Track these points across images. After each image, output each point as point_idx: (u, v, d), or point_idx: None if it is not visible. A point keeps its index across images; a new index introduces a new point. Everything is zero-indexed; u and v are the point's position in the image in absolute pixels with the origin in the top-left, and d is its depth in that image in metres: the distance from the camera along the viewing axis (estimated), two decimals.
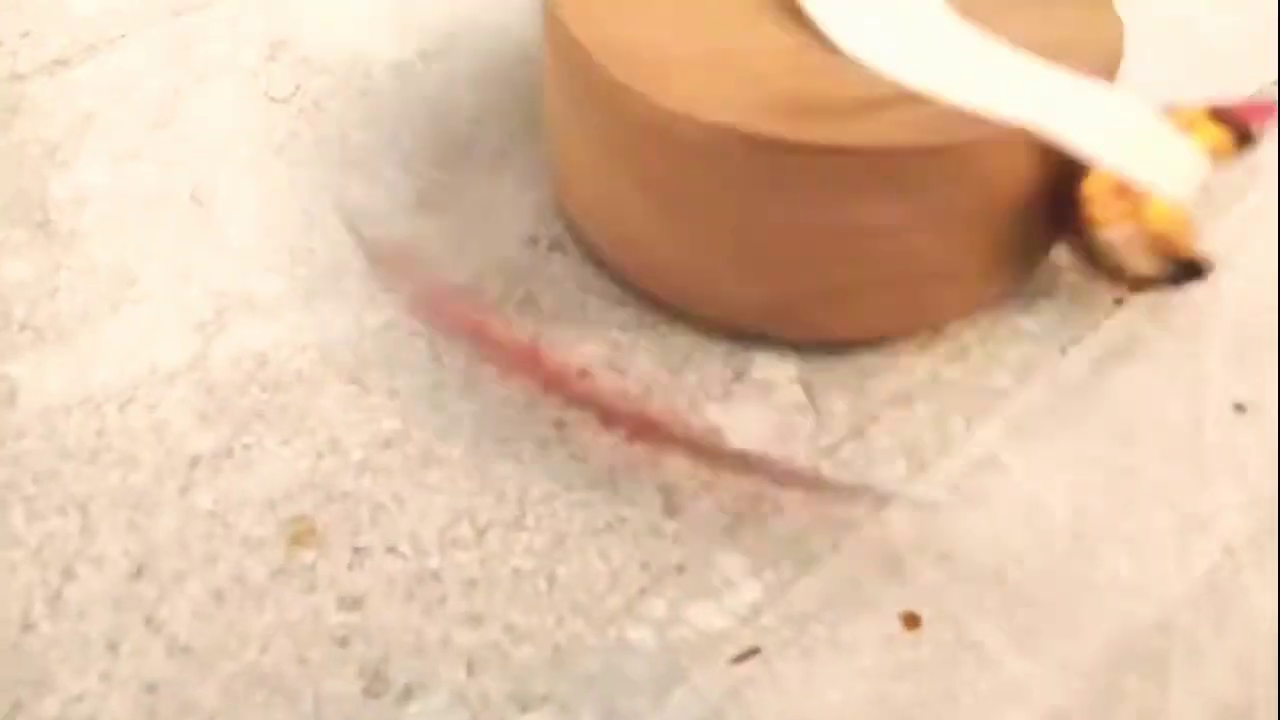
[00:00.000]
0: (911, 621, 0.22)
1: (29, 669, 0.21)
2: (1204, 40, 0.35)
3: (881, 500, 0.24)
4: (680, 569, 0.23)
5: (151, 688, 0.21)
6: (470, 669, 0.21)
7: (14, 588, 0.22)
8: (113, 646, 0.21)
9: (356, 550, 0.23)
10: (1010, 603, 0.22)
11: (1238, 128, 0.28)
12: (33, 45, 0.34)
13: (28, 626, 0.21)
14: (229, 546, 0.22)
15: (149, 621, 0.21)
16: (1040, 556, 0.23)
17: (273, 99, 0.33)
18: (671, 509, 0.23)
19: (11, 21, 0.35)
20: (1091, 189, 0.25)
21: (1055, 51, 0.25)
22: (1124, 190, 0.25)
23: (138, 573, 0.22)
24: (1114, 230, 0.26)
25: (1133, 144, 0.25)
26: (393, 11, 0.36)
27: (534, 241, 0.29)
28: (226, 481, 0.23)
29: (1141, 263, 0.26)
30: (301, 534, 0.23)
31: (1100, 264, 0.27)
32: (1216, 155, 0.27)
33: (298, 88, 0.33)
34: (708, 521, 0.23)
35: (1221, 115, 0.28)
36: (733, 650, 0.21)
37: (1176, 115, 0.27)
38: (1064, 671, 0.21)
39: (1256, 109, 0.29)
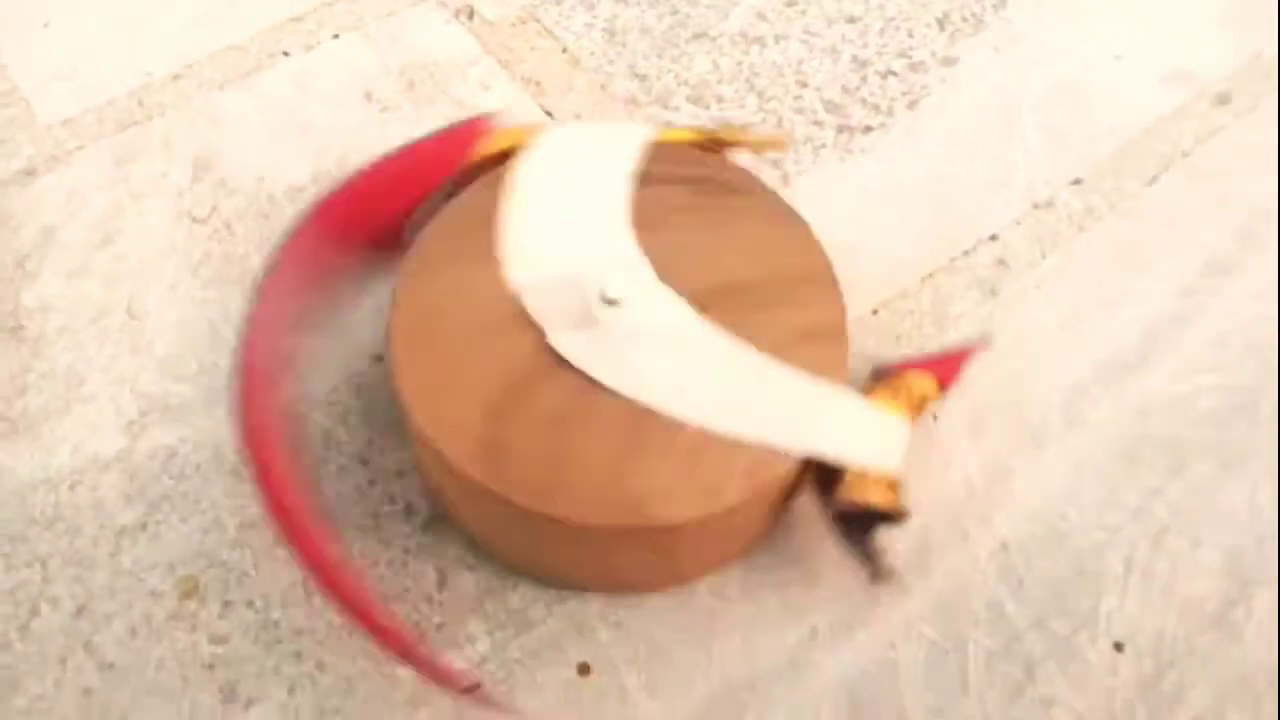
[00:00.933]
0: (584, 670, 0.34)
1: (4, 678, 0.32)
2: (944, 195, 0.45)
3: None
4: (440, 627, 0.34)
5: (88, 692, 0.32)
6: (290, 690, 0.33)
7: None
8: (62, 662, 0.33)
9: (225, 603, 0.34)
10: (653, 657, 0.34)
11: (939, 375, 0.33)
12: (6, 155, 0.43)
13: (4, 646, 0.33)
14: (140, 597, 0.34)
15: (86, 646, 0.33)
16: None
17: (194, 219, 0.42)
18: (442, 584, 0.35)
19: None
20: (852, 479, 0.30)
21: (778, 294, 0.32)
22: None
23: (79, 612, 0.34)
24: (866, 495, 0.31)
25: (852, 436, 0.30)
26: (297, 133, 0.45)
27: (380, 359, 0.39)
28: (142, 549, 0.35)
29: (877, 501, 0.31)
30: (189, 590, 0.34)
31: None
32: (926, 402, 0.32)
33: (214, 209, 0.43)
34: (465, 595, 0.35)
35: (922, 368, 0.33)
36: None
37: (888, 377, 0.32)
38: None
39: (950, 360, 0.34)
